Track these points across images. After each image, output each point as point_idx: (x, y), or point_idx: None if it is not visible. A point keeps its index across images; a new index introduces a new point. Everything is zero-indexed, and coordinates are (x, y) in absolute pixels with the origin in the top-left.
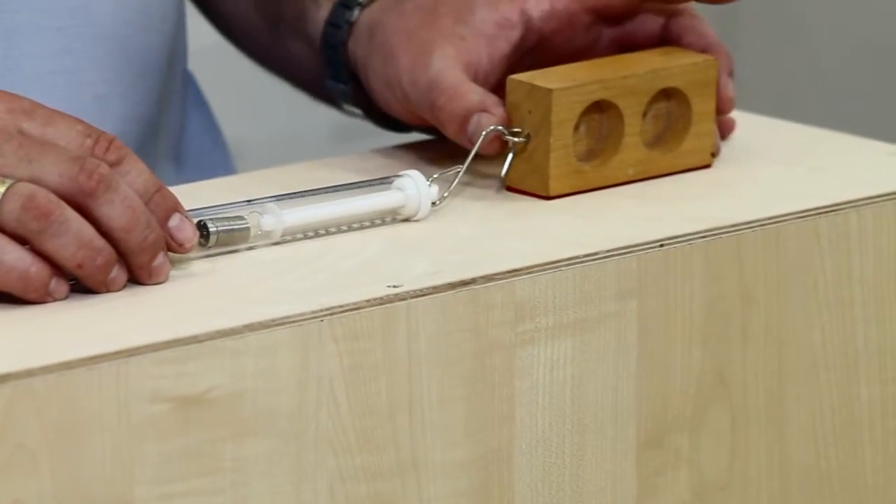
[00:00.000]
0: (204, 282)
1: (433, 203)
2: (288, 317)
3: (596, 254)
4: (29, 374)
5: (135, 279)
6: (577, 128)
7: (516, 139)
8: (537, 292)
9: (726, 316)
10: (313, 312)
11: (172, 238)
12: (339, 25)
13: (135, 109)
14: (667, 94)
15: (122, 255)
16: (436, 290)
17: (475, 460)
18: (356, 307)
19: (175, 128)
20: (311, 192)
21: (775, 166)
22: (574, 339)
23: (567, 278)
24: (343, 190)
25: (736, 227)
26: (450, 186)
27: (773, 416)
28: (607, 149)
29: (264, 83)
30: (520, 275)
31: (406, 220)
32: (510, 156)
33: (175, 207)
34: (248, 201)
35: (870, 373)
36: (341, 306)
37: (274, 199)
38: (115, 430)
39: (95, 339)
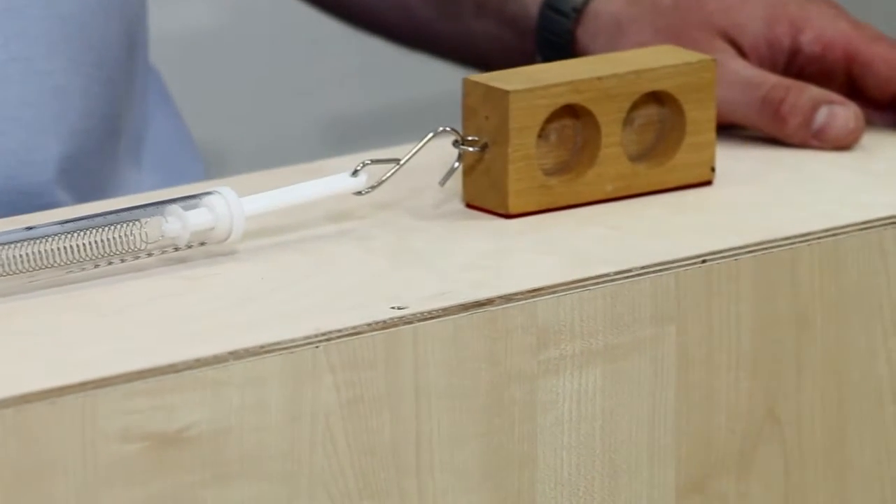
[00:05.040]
0: (181, 303)
1: (359, 192)
2: (278, 343)
3: (629, 271)
4: None
5: None
6: (545, 136)
7: (470, 148)
8: (562, 315)
9: (778, 342)
10: (307, 338)
11: None
12: (563, 12)
13: (95, 104)
14: (659, 99)
15: None
16: (446, 312)
17: None
18: (355, 332)
19: (136, 127)
20: (94, 216)
21: (834, 171)
22: (604, 369)
23: (596, 299)
24: (133, 210)
25: (789, 241)
26: (382, 178)
27: (832, 458)
28: (582, 161)
29: (253, 86)
30: (542, 295)
31: (215, 244)
32: (455, 165)
33: None
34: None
35: None
36: (339, 331)
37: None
38: (81, 472)
39: (58, 369)
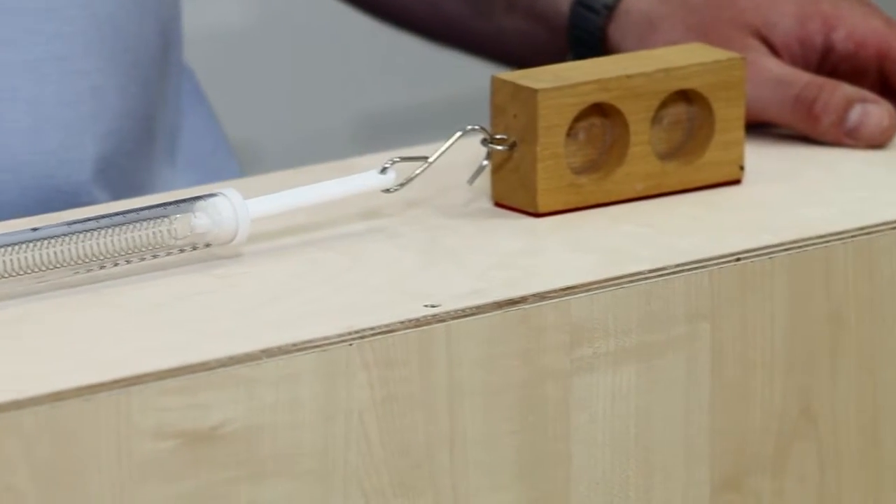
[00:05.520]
0: (213, 300)
1: (388, 190)
2: (311, 340)
3: (663, 269)
4: (17, 406)
5: None
6: (573, 135)
7: (498, 147)
8: (596, 313)
9: (813, 340)
10: (340, 336)
11: None
12: (594, 9)
13: (131, 104)
14: (688, 97)
15: None
16: (479, 310)
17: None
18: (389, 330)
19: (171, 126)
20: (86, 220)
21: (867, 169)
22: (639, 367)
23: (630, 297)
24: (127, 215)
25: (823, 239)
26: (411, 176)
27: (867, 457)
28: (611, 160)
29: (285, 84)
30: (576, 293)
31: (219, 246)
32: (483, 163)
33: None
34: None
35: None
36: (372, 329)
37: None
38: (115, 469)
39: (92, 367)
